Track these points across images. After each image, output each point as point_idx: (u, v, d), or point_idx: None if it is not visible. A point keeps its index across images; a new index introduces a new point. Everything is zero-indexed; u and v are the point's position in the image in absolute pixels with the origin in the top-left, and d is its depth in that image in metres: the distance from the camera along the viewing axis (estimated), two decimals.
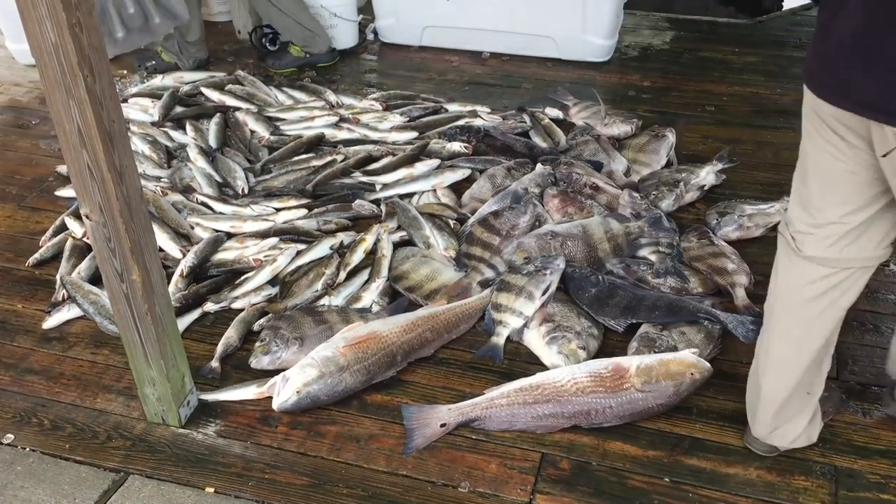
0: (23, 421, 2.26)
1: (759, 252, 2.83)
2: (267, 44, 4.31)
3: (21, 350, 2.50)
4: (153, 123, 3.57)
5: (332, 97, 3.80)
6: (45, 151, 3.51)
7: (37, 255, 2.84)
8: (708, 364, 2.24)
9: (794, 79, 4.03)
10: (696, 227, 2.87)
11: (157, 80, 3.96)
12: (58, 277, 2.71)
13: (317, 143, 3.45)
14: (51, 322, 2.57)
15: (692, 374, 2.19)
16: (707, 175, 3.13)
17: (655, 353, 2.30)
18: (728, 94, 3.90)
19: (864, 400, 2.27)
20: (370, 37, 4.48)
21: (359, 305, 2.60)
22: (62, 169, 3.29)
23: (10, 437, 2.22)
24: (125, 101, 3.72)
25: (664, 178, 3.11)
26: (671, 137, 3.36)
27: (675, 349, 2.32)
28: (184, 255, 2.76)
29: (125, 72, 4.16)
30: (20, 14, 1.64)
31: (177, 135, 3.50)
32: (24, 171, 3.37)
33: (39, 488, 2.08)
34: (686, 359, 2.22)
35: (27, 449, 2.19)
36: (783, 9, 5.18)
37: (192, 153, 3.30)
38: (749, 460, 2.11)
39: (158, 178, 3.18)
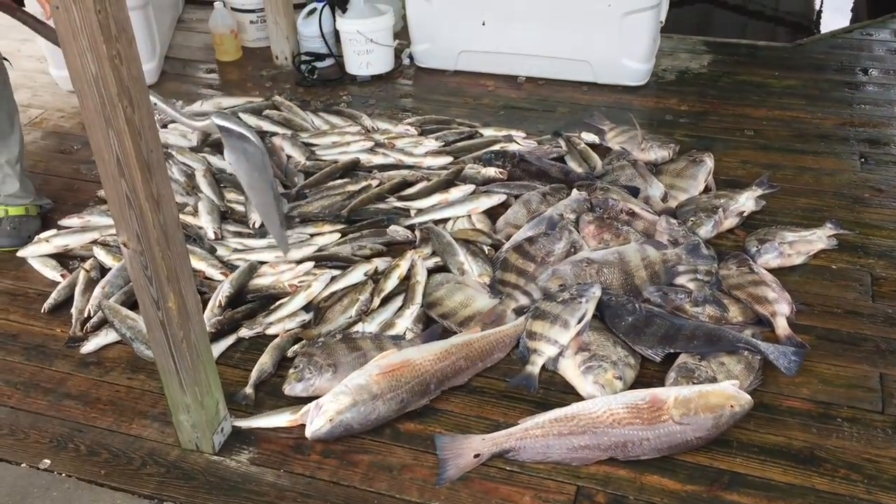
0: (59, 446, 2.28)
1: (801, 280, 2.77)
2: (306, 72, 4.37)
3: (59, 374, 2.53)
4: (192, 149, 3.61)
5: (367, 122, 3.82)
6: (86, 176, 3.57)
7: (50, 301, 2.79)
8: (748, 396, 2.19)
9: (835, 102, 3.97)
10: (735, 255, 2.82)
11: (197, 106, 4.02)
12: (73, 310, 2.73)
13: (352, 169, 3.47)
14: (89, 347, 2.60)
15: (732, 406, 2.14)
16: (746, 201, 3.08)
17: (694, 384, 2.25)
18: (767, 119, 3.85)
19: None
20: (406, 61, 4.51)
21: (392, 332, 2.59)
22: (102, 193, 3.34)
23: (46, 462, 2.24)
24: (165, 126, 3.78)
25: (702, 204, 3.07)
26: (709, 162, 3.31)
27: (714, 380, 2.27)
28: (226, 276, 2.78)
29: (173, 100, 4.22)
30: (62, 46, 1.67)
31: (215, 160, 3.54)
32: (67, 196, 3.42)
33: None
34: (726, 390, 2.17)
35: (63, 475, 2.20)
36: (822, 31, 5.14)
37: (199, 176, 3.32)
38: (791, 497, 2.05)
39: (183, 206, 3.19)
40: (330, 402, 2.22)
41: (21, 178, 3.13)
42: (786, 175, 3.37)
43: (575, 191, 3.13)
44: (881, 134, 3.69)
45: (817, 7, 6.23)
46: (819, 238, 2.91)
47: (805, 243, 2.88)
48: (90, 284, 2.81)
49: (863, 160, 3.48)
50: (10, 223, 3.09)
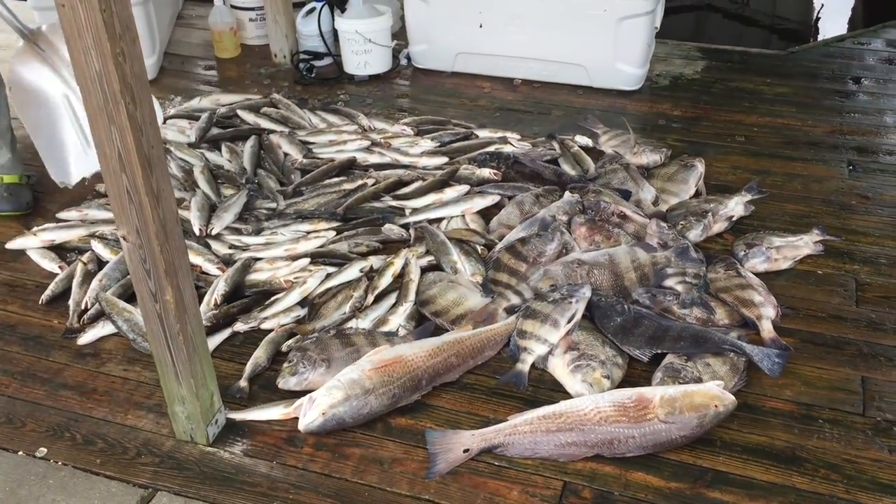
0: (56, 435, 2.32)
1: (787, 284, 2.82)
2: (304, 71, 4.41)
3: (56, 365, 2.57)
4: (190, 145, 3.65)
5: (364, 121, 3.86)
6: None
7: (48, 292, 2.82)
8: (732, 396, 2.23)
9: (826, 110, 4.03)
10: (723, 258, 2.87)
11: (196, 102, 4.06)
12: (70, 302, 2.76)
13: (348, 167, 3.51)
14: (85, 338, 2.63)
15: (716, 406, 2.19)
16: (736, 206, 3.13)
17: (680, 383, 2.30)
18: (759, 125, 3.90)
19: (890, 437, 2.25)
20: (403, 62, 4.55)
21: (386, 329, 2.63)
22: (101, 187, 3.38)
23: (43, 450, 2.28)
24: (164, 122, 3.81)
25: (692, 208, 3.12)
26: (700, 167, 3.36)
27: (699, 381, 2.32)
28: (222, 272, 2.82)
29: (172, 96, 4.26)
30: (66, 43, 1.71)
31: (213, 156, 3.58)
32: (64, 189, 3.43)
33: (70, 502, 2.13)
34: (710, 391, 2.22)
35: (59, 463, 2.24)
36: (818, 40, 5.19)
37: (196, 172, 3.37)
38: (772, 495, 2.10)
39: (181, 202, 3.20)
40: (323, 396, 2.26)
41: (12, 148, 3.23)
42: (775, 181, 3.43)
43: (567, 193, 3.18)
44: (870, 142, 3.74)
45: (815, 15, 6.28)
46: (806, 243, 2.95)
47: (792, 248, 2.93)
48: (87, 277, 2.85)
49: (851, 168, 3.54)
50: (6, 189, 3.24)
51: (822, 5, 6.29)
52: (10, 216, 3.25)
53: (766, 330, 2.55)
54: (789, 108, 4.05)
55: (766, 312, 2.60)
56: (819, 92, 4.21)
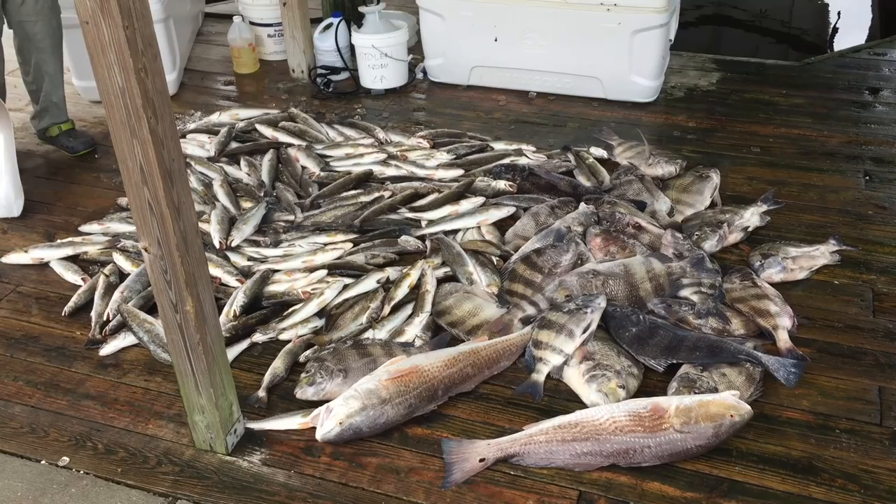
0: (78, 444, 2.36)
1: (803, 295, 2.82)
2: (321, 85, 4.46)
3: (78, 375, 2.61)
4: (209, 159, 3.70)
5: (381, 134, 3.89)
6: (106, 184, 3.66)
7: (71, 304, 2.88)
8: (748, 406, 2.24)
9: (842, 121, 4.02)
10: (739, 269, 2.87)
11: (215, 117, 4.11)
12: (93, 314, 2.81)
13: (365, 180, 3.54)
14: (107, 349, 2.68)
15: (732, 416, 2.19)
16: (751, 216, 3.13)
17: (695, 393, 2.30)
18: (774, 136, 3.90)
19: None
20: (419, 76, 4.59)
21: (402, 339, 2.65)
22: (122, 201, 3.43)
23: (65, 459, 2.31)
24: (183, 136, 3.87)
25: (708, 218, 3.12)
26: (715, 178, 3.37)
27: (715, 390, 2.32)
28: (241, 284, 2.85)
29: (192, 111, 4.32)
30: (90, 59, 1.75)
31: (231, 170, 3.63)
32: (87, 202, 3.52)
33: None
34: (726, 400, 2.23)
35: (81, 472, 2.28)
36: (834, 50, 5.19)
37: (216, 186, 3.43)
38: None
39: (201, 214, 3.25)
40: (340, 406, 2.28)
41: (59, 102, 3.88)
42: (791, 191, 3.42)
43: (583, 204, 3.19)
44: (886, 152, 3.73)
45: (831, 26, 6.27)
46: (822, 254, 2.95)
47: (808, 258, 2.92)
48: (109, 289, 2.90)
49: (867, 178, 3.53)
50: (70, 134, 3.89)
51: (839, 14, 6.27)
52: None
53: (783, 340, 2.55)
54: (805, 118, 4.04)
55: (783, 322, 2.60)
56: (835, 102, 4.20)
